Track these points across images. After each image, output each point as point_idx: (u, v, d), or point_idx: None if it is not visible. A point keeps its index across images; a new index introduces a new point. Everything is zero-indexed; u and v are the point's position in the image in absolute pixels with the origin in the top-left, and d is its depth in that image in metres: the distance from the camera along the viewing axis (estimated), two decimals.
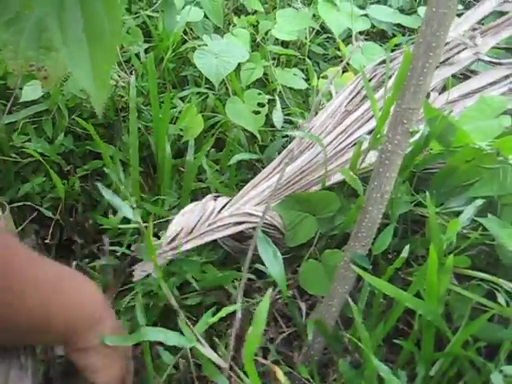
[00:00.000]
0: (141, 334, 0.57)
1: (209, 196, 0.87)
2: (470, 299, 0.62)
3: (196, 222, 0.79)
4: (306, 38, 1.29)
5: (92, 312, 0.52)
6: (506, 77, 0.99)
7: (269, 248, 0.59)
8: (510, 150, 0.72)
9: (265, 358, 0.75)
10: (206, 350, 0.60)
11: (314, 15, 1.39)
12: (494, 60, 1.01)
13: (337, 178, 0.87)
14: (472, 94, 0.97)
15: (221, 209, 0.84)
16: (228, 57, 1.07)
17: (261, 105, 1.05)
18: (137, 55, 1.17)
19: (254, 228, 0.80)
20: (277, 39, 1.29)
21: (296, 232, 0.83)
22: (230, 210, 0.83)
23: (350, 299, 0.64)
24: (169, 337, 0.58)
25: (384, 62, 1.03)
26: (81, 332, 0.50)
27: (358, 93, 0.98)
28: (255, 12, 1.33)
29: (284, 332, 0.80)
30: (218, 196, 0.89)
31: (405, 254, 0.62)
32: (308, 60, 1.21)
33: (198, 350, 0.59)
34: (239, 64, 1.18)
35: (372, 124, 0.90)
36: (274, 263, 0.58)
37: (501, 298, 0.55)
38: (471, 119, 0.84)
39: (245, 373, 0.55)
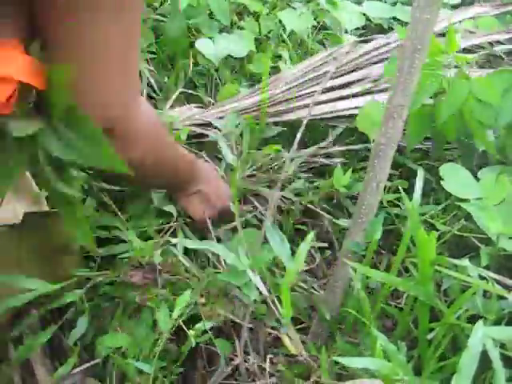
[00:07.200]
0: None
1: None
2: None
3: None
4: (308, 36, 1.35)
5: (203, 174, 0.86)
6: None
7: (276, 235, 0.65)
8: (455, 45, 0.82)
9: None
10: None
11: (313, 12, 1.45)
12: None
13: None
14: None
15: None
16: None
17: None
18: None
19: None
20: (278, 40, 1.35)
21: None
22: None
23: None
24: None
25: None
26: (191, 182, 0.83)
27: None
28: (257, 13, 1.39)
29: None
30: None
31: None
32: None
33: None
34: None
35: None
36: (281, 249, 0.65)
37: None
38: None
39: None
